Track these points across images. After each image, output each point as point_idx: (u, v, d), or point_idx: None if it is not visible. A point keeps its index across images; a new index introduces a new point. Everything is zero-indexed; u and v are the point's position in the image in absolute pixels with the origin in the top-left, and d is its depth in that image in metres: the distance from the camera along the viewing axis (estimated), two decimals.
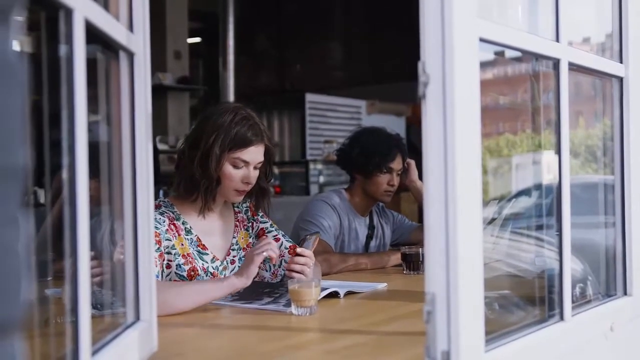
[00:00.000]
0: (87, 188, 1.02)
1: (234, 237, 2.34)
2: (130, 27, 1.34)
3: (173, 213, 2.21)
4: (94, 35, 1.10)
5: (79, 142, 1.00)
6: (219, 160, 2.16)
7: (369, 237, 3.12)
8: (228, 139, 2.15)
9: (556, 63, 1.51)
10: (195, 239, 2.22)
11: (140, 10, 1.36)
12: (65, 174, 1.01)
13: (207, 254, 2.22)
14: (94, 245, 1.09)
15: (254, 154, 2.21)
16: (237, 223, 2.37)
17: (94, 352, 1.09)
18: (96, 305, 1.29)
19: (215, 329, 1.78)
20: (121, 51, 1.31)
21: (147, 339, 1.38)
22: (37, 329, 1.18)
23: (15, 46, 0.60)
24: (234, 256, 2.32)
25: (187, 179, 2.20)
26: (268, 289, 2.11)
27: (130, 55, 1.33)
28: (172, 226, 2.16)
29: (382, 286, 2.34)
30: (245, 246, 2.35)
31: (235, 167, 2.19)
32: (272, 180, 2.40)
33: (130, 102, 1.35)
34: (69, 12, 0.98)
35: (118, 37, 1.24)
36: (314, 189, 7.19)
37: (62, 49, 1.00)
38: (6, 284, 0.58)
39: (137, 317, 1.36)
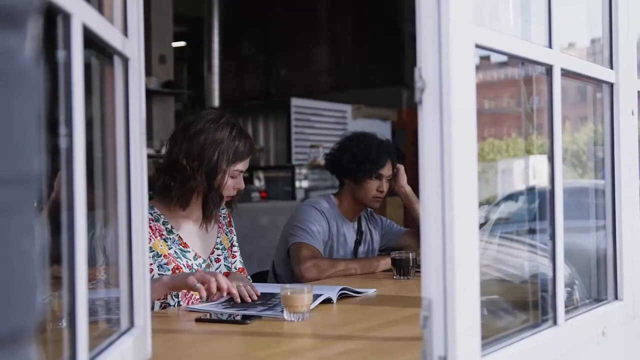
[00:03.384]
0: (85, 193, 1.01)
1: (218, 237, 2.42)
2: (125, 31, 1.33)
3: (152, 214, 2.22)
4: (89, 39, 1.09)
5: (77, 146, 0.99)
6: (224, 175, 2.26)
7: (358, 243, 3.11)
8: (232, 154, 2.26)
9: (549, 69, 1.51)
10: (177, 238, 2.27)
11: (135, 14, 1.35)
12: (61, 179, 1.01)
13: (189, 251, 2.28)
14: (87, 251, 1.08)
15: (247, 163, 2.34)
16: (220, 224, 2.45)
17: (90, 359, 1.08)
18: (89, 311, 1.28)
19: (208, 335, 1.77)
20: (116, 56, 1.30)
21: (141, 345, 1.37)
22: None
23: (31, 53, 0.60)
24: (218, 255, 2.39)
25: (189, 191, 2.25)
26: (261, 300, 2.10)
27: (125, 60, 1.32)
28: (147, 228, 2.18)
29: (372, 292, 2.34)
30: (227, 247, 2.44)
31: (233, 177, 2.29)
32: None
33: (124, 107, 1.34)
34: (67, 17, 0.97)
35: (113, 42, 1.23)
36: (300, 193, 7.18)
37: (60, 54, 0.99)
38: (23, 292, 0.58)
39: (132, 324, 1.35)
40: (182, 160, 2.22)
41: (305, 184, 7.35)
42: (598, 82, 1.82)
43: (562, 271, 1.52)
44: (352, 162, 2.99)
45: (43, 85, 0.62)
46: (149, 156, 6.78)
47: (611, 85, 1.81)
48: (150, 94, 7.17)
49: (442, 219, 1.16)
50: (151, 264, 2.16)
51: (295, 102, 7.87)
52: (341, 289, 2.18)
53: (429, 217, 1.17)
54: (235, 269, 2.39)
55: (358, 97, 8.44)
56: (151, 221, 2.22)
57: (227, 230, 2.47)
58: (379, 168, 2.99)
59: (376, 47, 8.97)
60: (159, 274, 2.18)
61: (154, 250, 2.19)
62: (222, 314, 1.92)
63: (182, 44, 9.77)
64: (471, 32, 1.22)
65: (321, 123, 8.02)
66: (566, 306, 1.59)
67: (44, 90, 1.01)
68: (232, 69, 9.45)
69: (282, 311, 1.87)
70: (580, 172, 2.11)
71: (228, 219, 2.50)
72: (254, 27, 9.96)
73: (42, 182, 0.62)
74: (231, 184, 2.29)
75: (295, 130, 7.83)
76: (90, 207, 1.30)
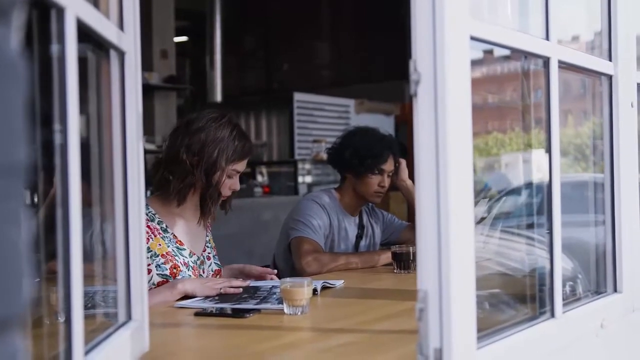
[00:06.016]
0: (79, 188, 1.02)
1: (207, 236, 2.46)
2: (121, 25, 1.33)
3: (147, 214, 2.24)
4: (84, 34, 1.09)
5: (71, 141, 1.00)
6: (222, 173, 2.28)
7: (359, 237, 3.12)
8: (231, 153, 2.28)
9: (546, 61, 1.51)
10: (172, 236, 2.30)
11: (131, 8, 1.35)
12: (55, 175, 1.01)
13: (185, 249, 2.32)
14: (83, 245, 1.09)
15: (245, 164, 2.37)
16: (208, 224, 2.48)
17: (86, 352, 1.09)
18: (86, 305, 1.29)
19: (206, 329, 1.78)
20: (112, 50, 1.30)
21: (138, 338, 1.37)
22: (27, 330, 1.18)
23: (16, 45, 0.60)
24: (208, 253, 2.44)
25: (187, 187, 2.27)
26: (246, 295, 2.10)
27: (121, 54, 1.33)
28: (146, 228, 2.20)
29: (339, 283, 2.36)
30: (213, 246, 2.49)
31: (230, 177, 2.32)
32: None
33: (121, 102, 1.34)
34: (60, 11, 0.97)
35: (109, 36, 1.23)
36: (302, 188, 7.19)
37: (54, 48, 0.99)
38: (9, 281, 0.58)
39: (129, 317, 1.36)
40: (183, 155, 2.25)
41: (308, 179, 7.35)
42: (597, 75, 1.81)
43: (560, 263, 1.52)
44: (354, 156, 2.99)
45: (29, 77, 0.62)
46: (151, 151, 6.80)
47: (610, 77, 1.81)
48: (152, 89, 7.17)
49: (437, 210, 1.16)
50: (149, 265, 2.18)
51: (297, 96, 7.87)
52: (323, 286, 2.22)
53: (425, 209, 1.17)
54: (212, 271, 2.41)
55: (360, 91, 8.43)
56: (147, 221, 2.23)
57: (210, 230, 2.53)
58: (381, 163, 2.98)
59: (378, 41, 8.95)
60: (157, 274, 2.20)
61: (151, 250, 2.21)
62: (220, 308, 1.92)
63: (184, 39, 9.77)
64: (466, 24, 1.22)
65: (324, 118, 8.02)
66: (568, 299, 1.59)
67: (37, 85, 1.01)
68: (234, 64, 9.45)
69: (279, 303, 1.88)
70: (584, 166, 2.10)
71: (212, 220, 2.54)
72: (256, 22, 9.96)
73: (29, 172, 0.63)
74: (227, 184, 2.32)
75: (298, 125, 7.83)
76: (88, 202, 1.31)
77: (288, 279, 1.95)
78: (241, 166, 2.34)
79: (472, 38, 1.24)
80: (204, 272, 2.36)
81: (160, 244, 2.25)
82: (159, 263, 2.22)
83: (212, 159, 2.25)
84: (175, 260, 2.25)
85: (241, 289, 2.14)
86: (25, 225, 0.61)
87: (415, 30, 1.18)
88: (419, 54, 1.18)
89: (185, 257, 2.29)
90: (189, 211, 2.36)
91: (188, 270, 2.28)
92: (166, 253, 2.24)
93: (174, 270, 2.23)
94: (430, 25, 1.16)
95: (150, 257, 2.20)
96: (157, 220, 2.29)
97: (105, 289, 1.44)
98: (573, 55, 1.65)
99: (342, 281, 2.39)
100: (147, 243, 2.19)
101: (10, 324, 0.58)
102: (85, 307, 1.11)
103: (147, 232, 2.21)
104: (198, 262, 2.35)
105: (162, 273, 2.22)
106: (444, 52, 1.15)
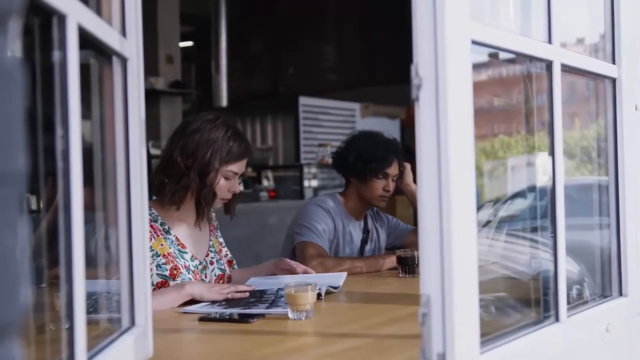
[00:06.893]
0: (82, 194, 1.02)
1: (210, 240, 2.45)
2: (123, 32, 1.33)
3: (150, 215, 2.25)
4: (86, 40, 1.10)
5: (73, 147, 1.00)
6: (216, 174, 2.27)
7: (364, 241, 3.11)
8: (225, 153, 2.27)
9: (549, 65, 1.51)
10: (174, 238, 2.30)
11: (133, 15, 1.36)
12: (59, 180, 1.01)
13: (187, 252, 2.32)
14: (87, 251, 1.09)
15: (243, 165, 2.36)
16: (211, 228, 2.48)
17: (90, 358, 1.09)
18: (89, 309, 1.29)
19: (210, 334, 1.78)
20: (114, 56, 1.31)
21: (142, 344, 1.37)
22: (31, 335, 1.18)
23: (14, 52, 0.60)
24: (212, 257, 2.43)
25: (182, 189, 2.27)
26: (253, 299, 2.10)
27: (124, 61, 1.33)
28: (149, 228, 2.20)
29: (342, 276, 2.39)
30: (217, 250, 2.47)
31: (226, 179, 2.31)
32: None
33: (123, 108, 1.34)
34: (62, 18, 0.98)
35: (111, 43, 1.24)
36: (308, 193, 7.18)
37: (55, 55, 1.00)
38: (6, 288, 0.58)
39: (132, 323, 1.36)
40: (177, 157, 2.26)
41: (313, 183, 7.35)
42: (600, 78, 1.81)
43: (564, 267, 1.52)
44: (358, 160, 2.99)
45: (30, 83, 0.62)
46: (157, 157, 6.78)
47: (614, 80, 1.80)
48: (157, 94, 7.18)
49: (439, 215, 1.16)
50: (150, 264, 2.18)
51: (303, 100, 7.87)
52: (326, 290, 2.20)
53: (427, 214, 1.17)
54: (215, 275, 2.42)
55: (366, 94, 8.42)
56: (150, 221, 2.24)
57: (217, 233, 2.52)
58: (385, 167, 2.98)
59: (383, 45, 8.94)
60: (157, 274, 2.20)
61: (153, 250, 2.21)
62: (225, 313, 1.92)
63: (189, 43, 9.78)
64: (467, 28, 1.22)
65: (329, 122, 8.01)
66: (574, 303, 1.58)
67: (40, 91, 1.01)
68: (240, 68, 9.45)
69: (284, 307, 1.88)
70: (590, 169, 2.10)
71: (216, 223, 2.54)
72: (261, 26, 9.95)
73: (32, 179, 0.63)
74: (225, 185, 2.31)
75: (304, 129, 7.83)
76: (92, 208, 1.31)
77: (292, 283, 1.95)
78: (237, 167, 2.32)
79: (474, 42, 1.24)
80: (206, 277, 2.35)
81: (162, 244, 2.25)
82: (160, 263, 2.22)
83: (205, 159, 2.25)
84: (176, 262, 2.25)
85: (247, 294, 2.14)
86: (23, 233, 0.61)
87: (416, 35, 1.18)
88: (420, 58, 1.18)
89: (187, 261, 2.29)
90: (190, 215, 2.36)
91: (188, 273, 2.27)
92: (167, 254, 2.25)
93: (174, 272, 2.23)
94: (431, 29, 1.16)
95: (152, 256, 2.20)
96: (160, 221, 2.29)
97: (109, 291, 1.44)
98: (576, 59, 1.64)
99: (345, 274, 2.40)
100: (149, 242, 2.20)
101: (8, 331, 0.58)
102: (88, 312, 1.11)
103: (150, 232, 2.21)
104: (200, 266, 2.35)
105: (162, 273, 2.22)
106: (445, 56, 1.15)
